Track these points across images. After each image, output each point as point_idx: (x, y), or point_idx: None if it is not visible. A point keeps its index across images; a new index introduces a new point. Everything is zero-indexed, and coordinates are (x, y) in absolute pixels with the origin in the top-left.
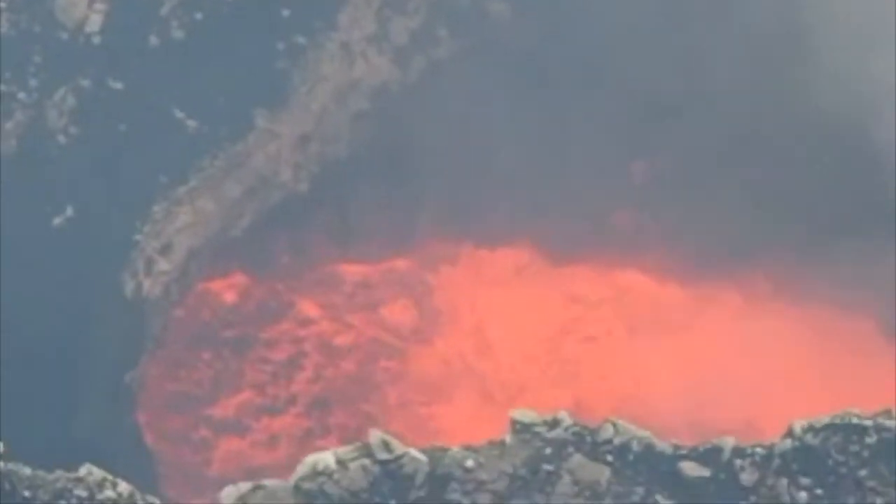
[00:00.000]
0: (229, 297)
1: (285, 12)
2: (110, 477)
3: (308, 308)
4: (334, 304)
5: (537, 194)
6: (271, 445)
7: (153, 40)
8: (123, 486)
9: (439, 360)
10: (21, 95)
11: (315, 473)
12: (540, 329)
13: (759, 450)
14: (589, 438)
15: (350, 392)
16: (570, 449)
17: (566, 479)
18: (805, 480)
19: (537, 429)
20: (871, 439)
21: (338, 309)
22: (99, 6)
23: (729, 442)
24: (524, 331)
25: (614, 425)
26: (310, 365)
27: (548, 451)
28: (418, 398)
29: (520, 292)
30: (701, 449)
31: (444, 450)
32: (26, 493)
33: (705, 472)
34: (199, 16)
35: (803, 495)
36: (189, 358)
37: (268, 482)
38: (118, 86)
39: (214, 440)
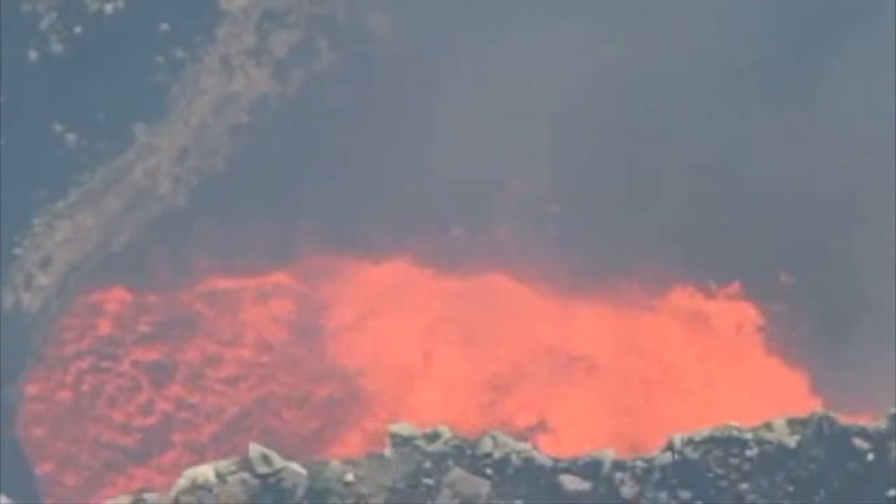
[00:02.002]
0: (122, 309)
1: (164, 26)
2: None
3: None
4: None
5: (415, 207)
6: None
7: (32, 55)
8: (4, 501)
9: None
10: None
11: (194, 487)
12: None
13: (639, 463)
14: (468, 452)
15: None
16: (450, 462)
17: (446, 492)
18: (685, 494)
19: (417, 442)
20: (751, 452)
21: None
22: None
23: (609, 455)
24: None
25: (493, 438)
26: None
27: (427, 464)
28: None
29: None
30: (581, 462)
31: (325, 464)
32: None
33: (585, 486)
34: (78, 30)
35: None
36: (101, 384)
37: (147, 496)
38: None
39: None
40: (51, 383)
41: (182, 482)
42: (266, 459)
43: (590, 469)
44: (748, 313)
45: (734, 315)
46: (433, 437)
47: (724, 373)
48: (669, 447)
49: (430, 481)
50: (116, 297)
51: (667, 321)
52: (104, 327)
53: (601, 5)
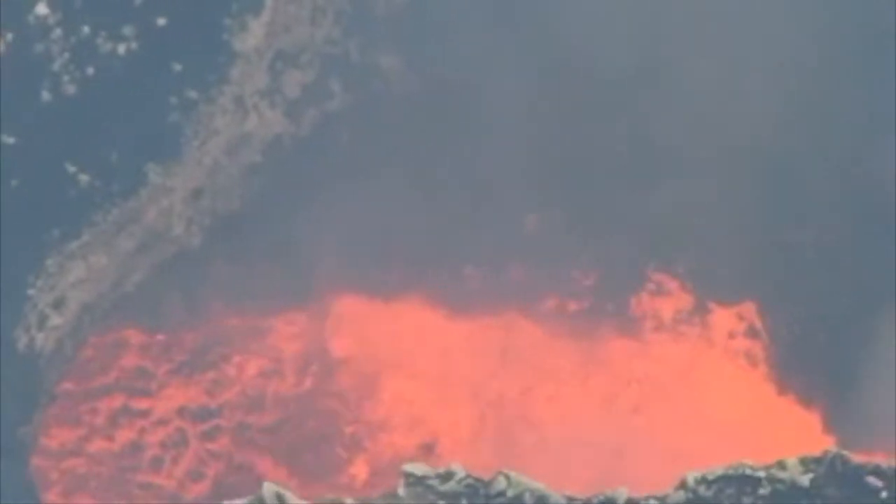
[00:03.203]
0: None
1: (177, 66)
2: None
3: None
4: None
5: (432, 247)
6: None
7: (45, 95)
8: None
9: None
10: None
11: None
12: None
13: (652, 501)
14: (482, 491)
15: None
16: (464, 501)
17: None
18: None
19: (430, 482)
20: (764, 490)
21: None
22: None
23: (622, 493)
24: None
25: (507, 477)
26: None
27: (441, 503)
28: None
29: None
30: (594, 500)
31: (339, 502)
32: None
33: None
34: (90, 70)
35: None
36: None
37: None
38: (10, 140)
39: None
40: (81, 428)
41: None
42: (280, 499)
43: None
44: (760, 347)
45: (747, 348)
46: (447, 476)
47: (735, 409)
48: (682, 485)
49: None
50: (132, 337)
51: (674, 355)
52: (130, 359)
53: None
